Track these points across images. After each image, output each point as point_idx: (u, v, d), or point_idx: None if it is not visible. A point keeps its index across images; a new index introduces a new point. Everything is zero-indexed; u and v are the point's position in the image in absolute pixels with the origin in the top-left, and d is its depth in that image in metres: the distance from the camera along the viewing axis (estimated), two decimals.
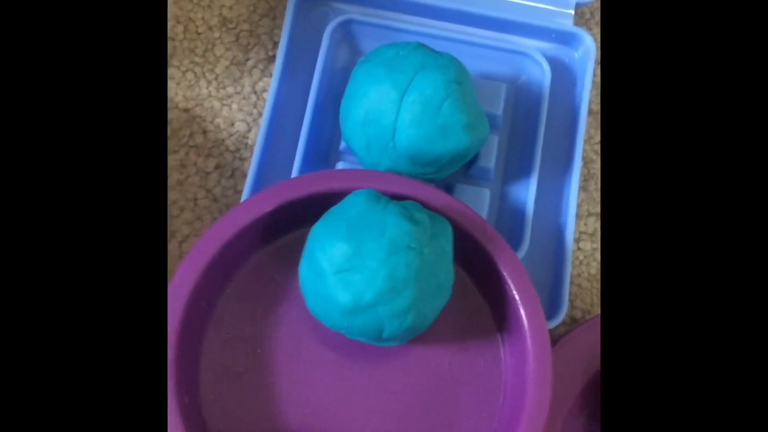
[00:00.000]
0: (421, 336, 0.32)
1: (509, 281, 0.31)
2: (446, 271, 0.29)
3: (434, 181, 0.34)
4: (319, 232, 0.29)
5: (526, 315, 0.31)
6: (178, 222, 0.36)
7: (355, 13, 0.38)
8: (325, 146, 0.37)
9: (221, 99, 0.38)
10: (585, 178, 0.38)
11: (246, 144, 0.37)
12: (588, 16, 0.41)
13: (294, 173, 0.35)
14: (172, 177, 0.36)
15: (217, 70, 0.38)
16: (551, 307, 0.35)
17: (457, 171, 0.36)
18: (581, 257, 0.37)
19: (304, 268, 0.30)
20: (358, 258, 0.28)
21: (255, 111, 0.38)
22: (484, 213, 0.35)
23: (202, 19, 0.39)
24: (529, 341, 0.31)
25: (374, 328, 0.29)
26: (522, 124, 0.37)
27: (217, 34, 0.39)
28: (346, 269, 0.28)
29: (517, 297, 0.31)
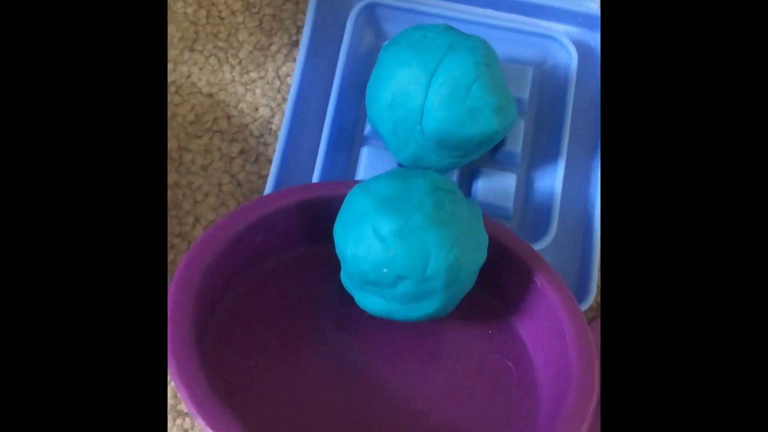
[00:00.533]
0: (443, 335, 0.32)
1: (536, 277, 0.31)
2: (481, 232, 0.29)
3: (460, 165, 0.34)
4: (360, 184, 0.29)
5: (560, 303, 0.31)
6: (203, 207, 0.36)
7: None
8: (350, 131, 0.37)
9: (245, 84, 0.38)
10: None
11: (270, 129, 0.37)
12: None
13: (319, 158, 0.35)
14: (197, 162, 0.36)
15: (241, 55, 0.38)
16: (578, 293, 0.35)
17: (483, 156, 0.36)
18: None
19: (340, 223, 0.29)
20: (404, 191, 0.28)
21: (279, 96, 0.38)
22: (510, 198, 0.35)
23: (225, 3, 0.39)
24: (567, 336, 0.30)
25: (420, 258, 0.27)
26: (548, 108, 0.37)
27: (240, 19, 0.38)
28: (393, 200, 0.28)
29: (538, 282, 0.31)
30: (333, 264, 0.32)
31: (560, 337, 0.30)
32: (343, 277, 0.30)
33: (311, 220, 0.32)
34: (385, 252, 0.27)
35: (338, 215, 0.30)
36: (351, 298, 0.31)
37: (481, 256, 0.29)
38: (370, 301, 0.29)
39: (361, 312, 0.31)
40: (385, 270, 0.28)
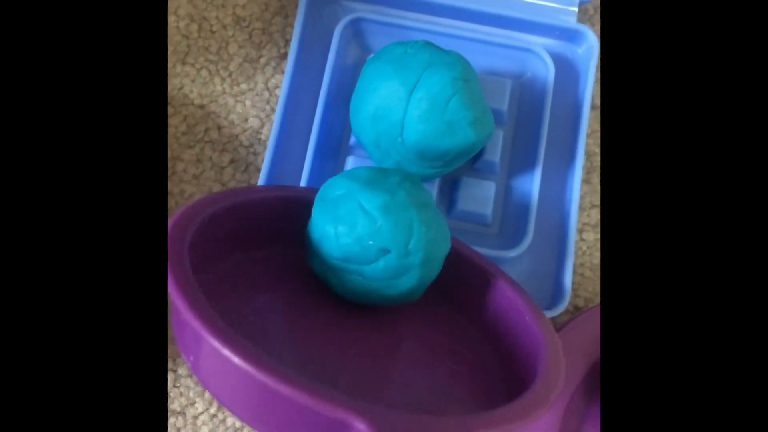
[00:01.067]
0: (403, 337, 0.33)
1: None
2: (446, 226, 0.31)
3: (441, 175, 0.36)
4: (338, 174, 0.32)
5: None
6: None
7: (365, 11, 0.39)
8: (336, 141, 0.38)
9: (235, 96, 0.39)
10: (588, 171, 0.39)
11: (259, 139, 0.39)
12: (591, 12, 0.42)
13: (306, 168, 0.36)
14: (189, 171, 0.38)
15: (231, 68, 0.39)
16: (555, 296, 0.37)
17: (463, 165, 0.37)
18: (584, 248, 0.38)
19: (318, 206, 0.31)
20: (383, 177, 0.30)
21: (268, 107, 0.39)
22: (489, 205, 0.37)
23: (216, 17, 0.40)
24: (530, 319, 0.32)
25: (404, 231, 0.29)
26: (526, 119, 0.38)
27: (230, 33, 0.40)
28: (375, 181, 0.30)
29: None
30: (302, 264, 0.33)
31: (522, 327, 0.32)
32: (315, 263, 0.31)
33: (281, 220, 0.33)
34: (372, 225, 0.29)
35: (315, 201, 0.31)
36: (320, 293, 0.32)
37: (447, 246, 0.31)
38: (349, 281, 0.30)
39: (325, 304, 0.32)
40: (370, 242, 0.29)
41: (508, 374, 0.32)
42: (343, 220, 0.30)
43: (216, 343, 0.24)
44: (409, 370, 0.32)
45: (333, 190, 0.31)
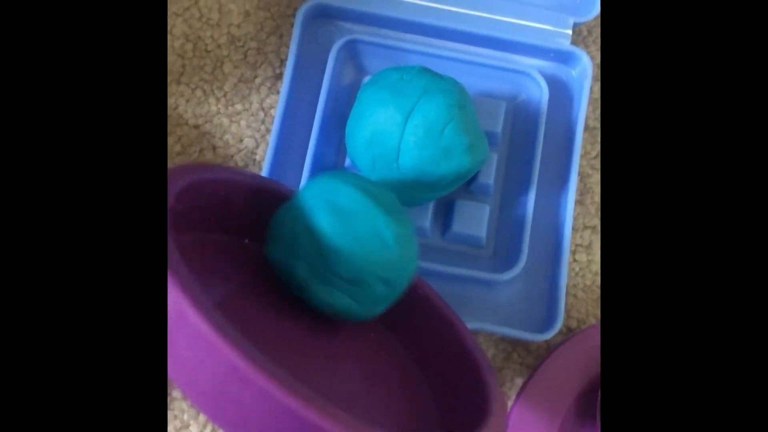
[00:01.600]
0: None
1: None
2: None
3: (436, 198, 0.36)
4: (337, 175, 0.31)
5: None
6: None
7: (360, 32, 0.39)
8: (331, 162, 0.38)
9: (230, 116, 0.39)
10: (581, 192, 0.39)
11: (254, 160, 0.39)
12: (585, 34, 0.42)
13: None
14: None
15: (226, 88, 0.39)
16: (548, 318, 0.37)
17: (458, 188, 0.37)
18: (577, 269, 0.39)
19: (325, 210, 0.29)
20: (385, 194, 0.30)
21: (263, 127, 0.39)
22: (483, 228, 0.37)
23: (211, 37, 0.40)
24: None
25: (407, 265, 0.29)
26: (521, 141, 0.39)
27: (225, 52, 0.40)
28: (387, 203, 0.29)
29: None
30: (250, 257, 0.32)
31: (454, 342, 0.32)
32: (299, 267, 0.29)
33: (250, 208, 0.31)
34: (387, 254, 0.28)
35: (317, 202, 0.29)
36: (272, 290, 0.31)
37: (414, 262, 0.31)
38: (334, 297, 0.29)
39: (277, 303, 0.30)
40: (378, 271, 0.28)
41: (443, 413, 0.31)
42: (363, 242, 0.28)
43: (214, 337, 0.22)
44: (347, 386, 0.30)
45: (345, 198, 0.29)
